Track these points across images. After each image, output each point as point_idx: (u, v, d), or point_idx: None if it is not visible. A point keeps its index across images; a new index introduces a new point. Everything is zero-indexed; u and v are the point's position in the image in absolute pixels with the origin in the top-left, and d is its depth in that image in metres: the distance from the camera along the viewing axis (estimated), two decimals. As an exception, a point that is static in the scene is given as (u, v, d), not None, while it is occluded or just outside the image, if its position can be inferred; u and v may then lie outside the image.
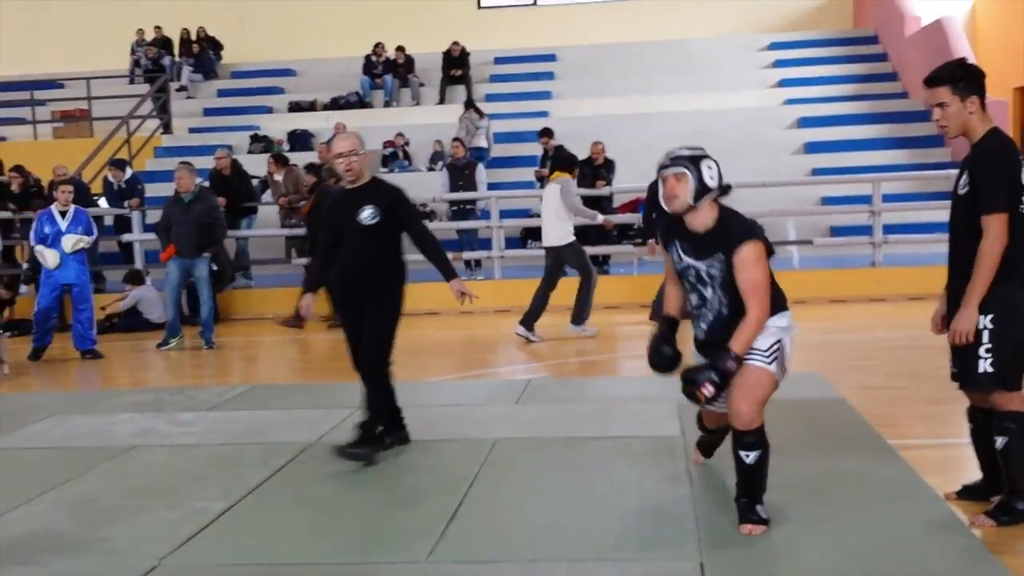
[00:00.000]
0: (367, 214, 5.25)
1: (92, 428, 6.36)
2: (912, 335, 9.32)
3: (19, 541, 4.29)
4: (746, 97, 17.60)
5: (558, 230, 9.77)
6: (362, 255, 5.29)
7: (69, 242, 9.36)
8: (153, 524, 4.40)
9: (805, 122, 16.72)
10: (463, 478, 4.89)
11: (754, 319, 4.06)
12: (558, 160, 10.54)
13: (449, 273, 5.47)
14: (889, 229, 12.53)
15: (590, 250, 12.99)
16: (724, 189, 4.15)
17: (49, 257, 9.38)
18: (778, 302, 4.25)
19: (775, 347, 4.17)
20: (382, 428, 5.39)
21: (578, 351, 9.82)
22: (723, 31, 19.89)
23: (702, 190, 4.10)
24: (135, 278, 11.63)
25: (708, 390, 4.06)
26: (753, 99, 17.66)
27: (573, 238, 9.86)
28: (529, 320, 9.74)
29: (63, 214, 9.48)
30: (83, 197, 11.69)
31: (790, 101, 17.52)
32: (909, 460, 4.95)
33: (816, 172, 14.89)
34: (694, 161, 4.13)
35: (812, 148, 15.92)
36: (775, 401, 6.33)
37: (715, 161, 4.18)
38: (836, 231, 13.89)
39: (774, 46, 19.39)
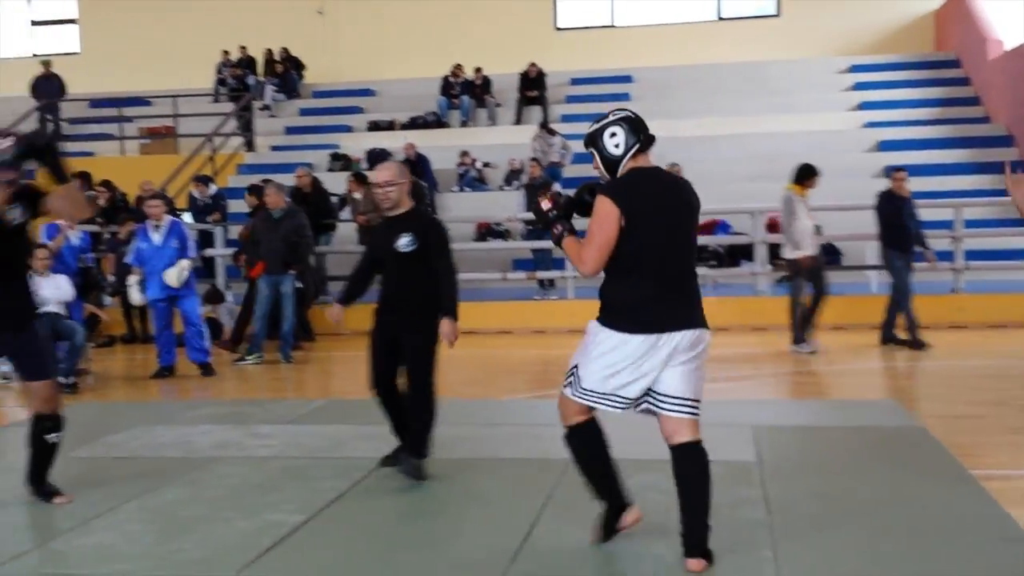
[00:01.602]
0: (404, 242, 5.35)
1: (172, 439, 6.50)
2: (995, 363, 9.12)
3: (101, 548, 4.39)
4: (825, 120, 17.37)
5: (803, 241, 9.69)
6: (400, 281, 5.43)
7: (172, 278, 9.18)
8: (230, 535, 4.48)
9: (885, 145, 16.44)
10: (537, 497, 4.89)
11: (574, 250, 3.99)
12: (794, 171, 10.22)
13: (449, 311, 5.37)
14: (971, 255, 12.23)
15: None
16: (643, 143, 3.88)
17: (135, 296, 9.39)
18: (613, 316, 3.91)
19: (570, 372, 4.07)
20: (400, 445, 5.44)
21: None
22: (802, 54, 19.68)
23: (611, 161, 3.91)
24: (216, 297, 11.82)
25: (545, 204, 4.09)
26: (832, 122, 17.42)
27: (804, 252, 9.70)
28: (799, 334, 9.67)
29: (157, 228, 9.40)
30: (168, 212, 11.96)
31: (870, 124, 17.25)
32: (991, 490, 4.82)
33: (896, 197, 14.59)
34: (593, 139, 3.97)
35: (893, 172, 15.60)
36: (854, 428, 6.27)
37: (622, 124, 3.89)
38: (917, 257, 13.59)
39: (854, 68, 19.11)
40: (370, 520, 4.71)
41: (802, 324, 9.76)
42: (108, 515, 4.87)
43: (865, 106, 17.90)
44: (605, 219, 3.77)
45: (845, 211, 13.31)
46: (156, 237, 9.34)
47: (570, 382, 4.02)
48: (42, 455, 5.10)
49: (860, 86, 18.55)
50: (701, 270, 12.76)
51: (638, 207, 3.78)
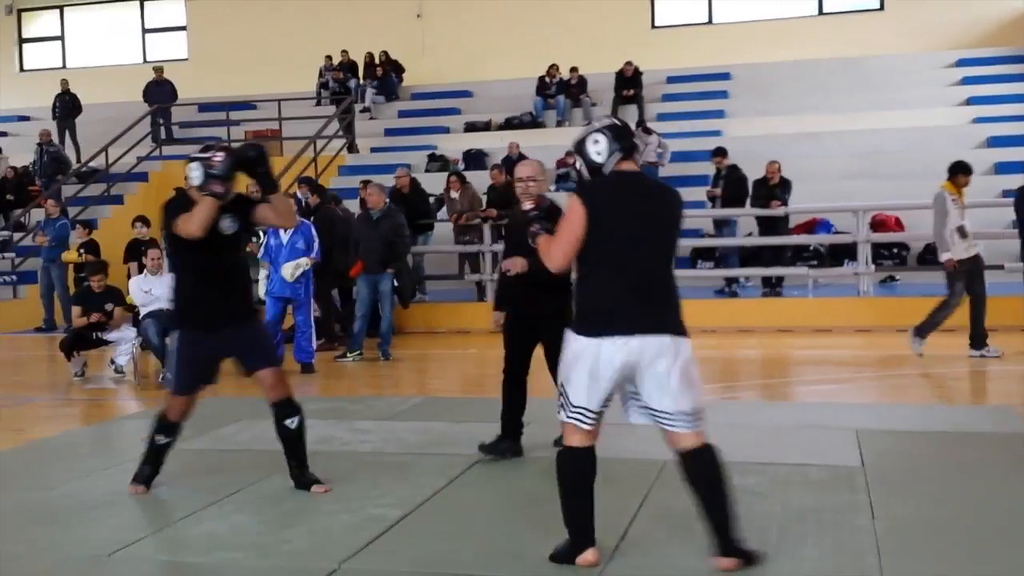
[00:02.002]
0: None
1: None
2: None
3: (211, 537, 4.55)
4: (931, 115, 16.87)
5: (956, 243, 9.19)
6: (536, 273, 5.39)
7: (288, 271, 9.37)
8: (333, 528, 4.58)
9: (995, 141, 15.88)
10: (632, 499, 4.88)
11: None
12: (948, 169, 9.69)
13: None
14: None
15: (760, 271, 12.76)
16: (625, 151, 3.92)
17: (260, 289, 9.43)
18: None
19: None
20: (501, 434, 5.80)
21: (749, 375, 9.64)
22: (906, 48, 19.14)
23: (593, 168, 3.95)
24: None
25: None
26: (938, 117, 16.90)
27: (969, 253, 9.26)
28: (977, 340, 9.26)
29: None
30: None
31: (979, 120, 16.68)
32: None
33: (1007, 194, 14.09)
34: (578, 146, 4.01)
35: (1003, 168, 15.09)
36: (964, 434, 6.09)
37: (605, 132, 3.92)
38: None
39: (961, 63, 18.51)
40: (467, 515, 4.76)
41: (929, 323, 9.22)
42: (216, 506, 5.03)
43: (973, 101, 17.32)
44: (572, 217, 3.82)
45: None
46: (284, 236, 9.46)
47: (561, 404, 3.93)
48: (287, 443, 5.24)
49: (968, 80, 17.96)
50: (801, 269, 12.58)
51: (606, 209, 3.80)
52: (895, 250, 13.71)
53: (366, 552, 4.24)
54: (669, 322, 3.86)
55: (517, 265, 5.62)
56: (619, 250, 3.80)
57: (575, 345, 3.83)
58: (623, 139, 3.92)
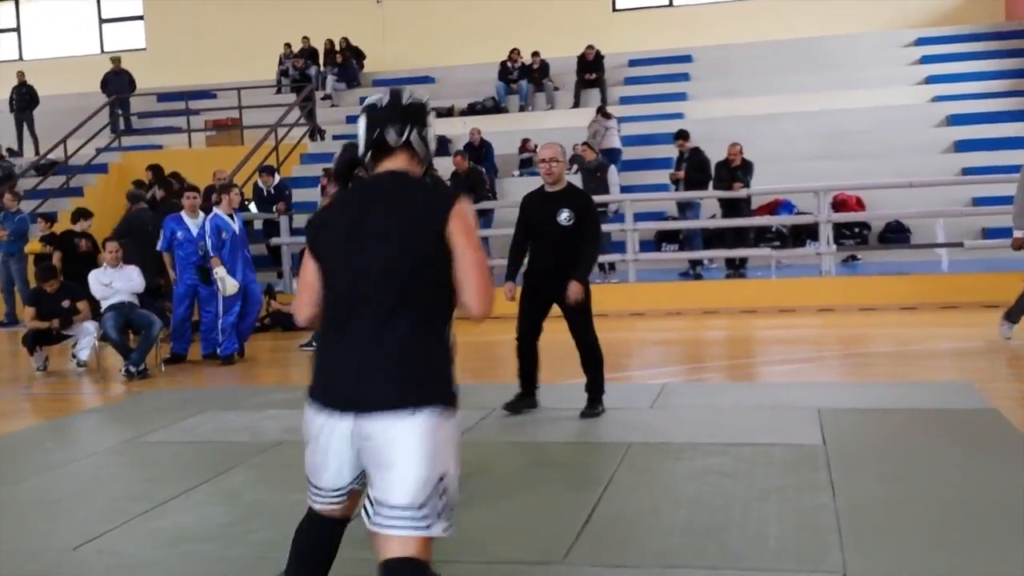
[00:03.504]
0: (565, 216, 6.07)
1: (242, 424, 6.64)
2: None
3: (176, 529, 4.53)
4: (891, 95, 17.02)
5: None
6: (557, 251, 6.12)
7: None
8: (298, 517, 4.55)
9: (955, 120, 16.06)
10: (597, 482, 4.91)
11: None
12: None
13: (580, 275, 6.19)
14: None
15: (724, 252, 12.85)
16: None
17: (229, 286, 9.32)
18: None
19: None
20: (520, 392, 6.42)
21: (714, 356, 9.71)
22: (865, 28, 19.29)
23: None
24: None
25: None
26: (899, 97, 17.06)
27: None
28: (1014, 315, 8.67)
29: (231, 216, 9.50)
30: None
31: (939, 98, 16.86)
32: (1067, 474, 4.72)
33: (967, 172, 14.28)
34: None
35: (963, 147, 15.28)
36: (924, 411, 6.17)
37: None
38: (990, 233, 13.29)
39: (921, 41, 18.69)
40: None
41: (1017, 308, 8.59)
42: (182, 497, 5.01)
43: (933, 80, 17.50)
44: (306, 252, 2.96)
45: (914, 188, 13.04)
46: (234, 225, 9.51)
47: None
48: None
49: (927, 59, 18.14)
50: (764, 251, 12.65)
51: (324, 233, 2.91)
52: (856, 230, 13.84)
53: (332, 541, 4.23)
54: (386, 393, 2.71)
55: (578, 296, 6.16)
56: (335, 287, 2.86)
57: (307, 412, 2.83)
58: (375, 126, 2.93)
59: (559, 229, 6.09)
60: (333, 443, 2.76)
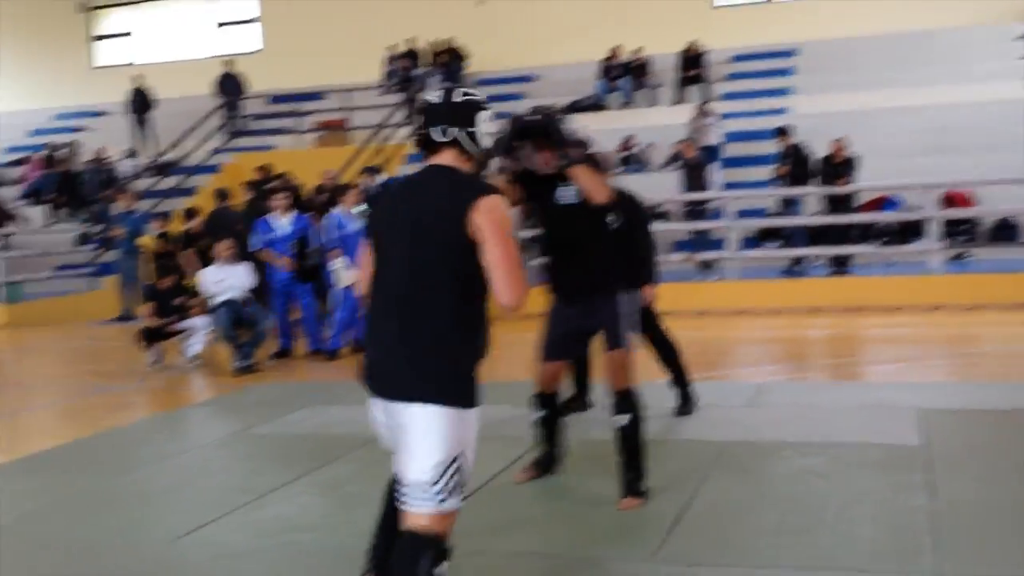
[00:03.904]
0: (611, 218, 5.78)
1: (344, 417, 6.83)
2: None
3: (277, 519, 4.71)
4: (1000, 89, 16.36)
5: None
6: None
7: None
8: (395, 509, 4.70)
9: (1068, 114, 15.38)
10: (691, 480, 4.92)
11: None
12: None
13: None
14: None
15: (829, 250, 12.60)
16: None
17: (344, 277, 9.37)
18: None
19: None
20: (575, 393, 6.50)
21: (815, 355, 9.57)
22: (974, 21, 18.62)
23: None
24: None
25: None
26: (1008, 91, 16.39)
27: None
28: None
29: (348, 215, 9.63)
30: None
31: (1052, 92, 16.16)
32: None
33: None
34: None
35: (1079, 142, 14.63)
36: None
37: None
38: None
39: (1036, 33, 17.96)
40: (526, 498, 4.85)
41: None
42: (284, 489, 5.20)
43: (1047, 72, 16.79)
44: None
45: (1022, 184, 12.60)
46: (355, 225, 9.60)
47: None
48: (621, 448, 4.70)
49: (1042, 51, 17.41)
50: (869, 248, 12.37)
51: (372, 222, 3.17)
52: (966, 226, 13.41)
53: (426, 533, 4.36)
54: (404, 381, 2.96)
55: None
56: (376, 274, 3.10)
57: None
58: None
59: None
60: (376, 418, 3.10)
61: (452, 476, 2.90)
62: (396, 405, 2.94)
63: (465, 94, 3.11)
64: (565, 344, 4.78)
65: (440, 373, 2.90)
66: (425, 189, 3.04)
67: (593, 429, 6.18)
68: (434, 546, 2.91)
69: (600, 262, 4.70)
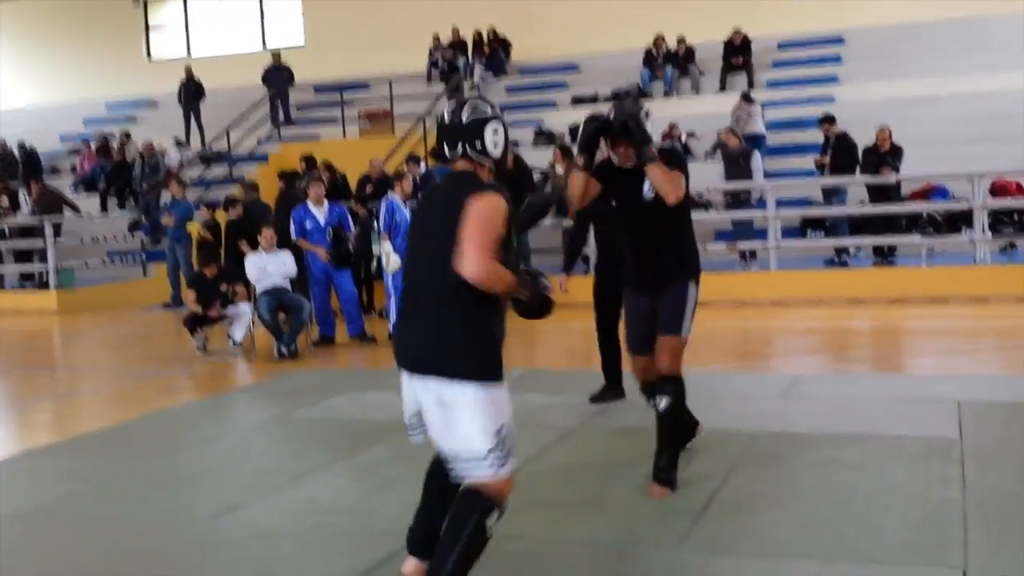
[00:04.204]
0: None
1: (381, 403, 6.89)
2: None
3: (310, 502, 4.80)
4: (1055, 76, 16.06)
5: None
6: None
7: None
8: (426, 495, 4.77)
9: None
10: (720, 470, 4.93)
11: None
12: None
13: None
14: None
15: (872, 239, 12.46)
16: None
17: (393, 262, 9.44)
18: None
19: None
20: (606, 383, 6.63)
21: (856, 346, 9.49)
22: (1027, 6, 18.23)
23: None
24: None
25: None
26: (1063, 78, 16.09)
27: None
28: None
29: (404, 203, 9.74)
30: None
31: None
32: None
33: None
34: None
35: None
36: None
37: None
38: None
39: (1091, 18, 17.55)
40: (555, 486, 4.89)
41: None
42: (320, 472, 5.30)
43: (1103, 60, 16.42)
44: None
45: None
46: (406, 211, 9.69)
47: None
48: (659, 432, 4.79)
49: (1098, 37, 17.02)
50: (914, 238, 12.22)
51: (415, 215, 3.70)
52: (1016, 217, 13.18)
53: (454, 518, 4.42)
54: (427, 358, 3.34)
55: None
56: (408, 260, 3.61)
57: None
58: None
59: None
60: (404, 393, 3.47)
61: (504, 443, 3.29)
62: (436, 383, 3.31)
63: (473, 110, 3.49)
64: (649, 334, 4.86)
65: (470, 352, 3.30)
66: (441, 192, 3.53)
67: (625, 416, 6.22)
68: (491, 504, 3.30)
69: (674, 253, 4.83)
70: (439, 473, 3.57)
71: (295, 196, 10.81)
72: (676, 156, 4.91)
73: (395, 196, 9.81)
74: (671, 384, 4.73)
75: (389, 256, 9.58)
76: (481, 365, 3.30)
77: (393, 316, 9.71)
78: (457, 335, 3.30)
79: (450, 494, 3.46)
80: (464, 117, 3.47)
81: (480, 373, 3.28)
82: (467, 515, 3.29)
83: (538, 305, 3.52)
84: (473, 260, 3.23)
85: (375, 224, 10.16)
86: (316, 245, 9.88)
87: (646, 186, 4.70)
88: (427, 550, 3.50)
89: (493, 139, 3.48)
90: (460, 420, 3.27)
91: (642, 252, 4.85)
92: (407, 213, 9.71)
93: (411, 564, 3.62)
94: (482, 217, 3.28)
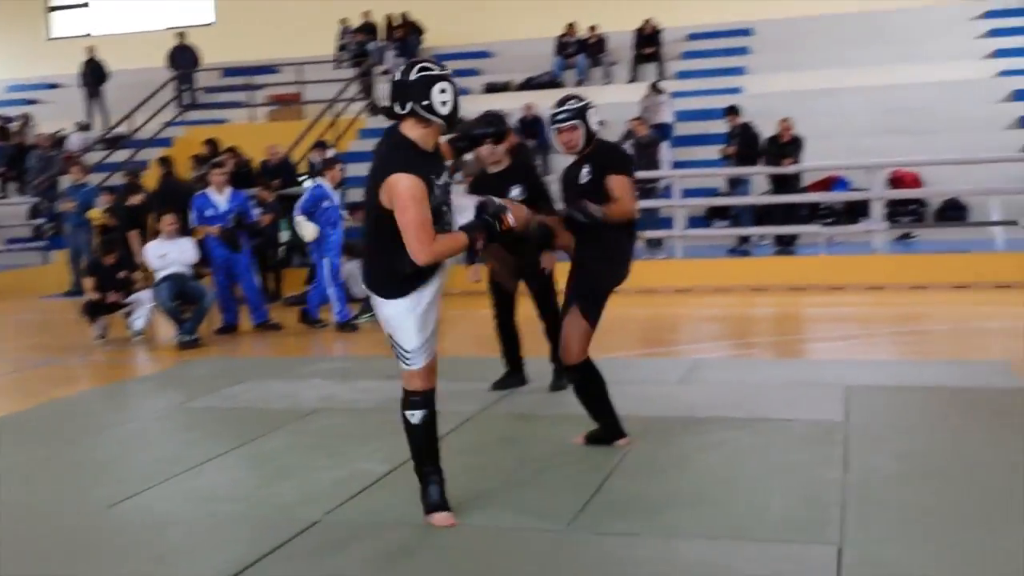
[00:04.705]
0: (516, 192, 6.16)
1: (282, 392, 6.88)
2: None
3: (207, 490, 4.77)
4: (955, 69, 16.63)
5: None
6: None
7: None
8: (322, 482, 4.78)
9: (1021, 95, 15.67)
10: (615, 453, 5.02)
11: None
12: None
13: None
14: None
15: (774, 229, 12.77)
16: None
17: (308, 231, 9.52)
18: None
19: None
20: (507, 371, 6.68)
21: (756, 332, 9.72)
22: (930, 1, 18.85)
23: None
24: (350, 250, 12.00)
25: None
26: (963, 71, 16.66)
27: None
28: None
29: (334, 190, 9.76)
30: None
31: (1004, 73, 16.45)
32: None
33: (1032, 147, 13.97)
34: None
35: (1028, 122, 14.93)
36: (952, 389, 6.15)
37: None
38: None
39: (990, 15, 18.22)
40: (450, 472, 4.90)
41: None
42: (217, 460, 5.26)
43: (1000, 54, 17.07)
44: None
45: (974, 165, 12.83)
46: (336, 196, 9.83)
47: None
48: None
49: (995, 32, 17.68)
50: (813, 227, 12.59)
51: None
52: (913, 207, 13.64)
53: (349, 504, 4.43)
54: (368, 281, 4.06)
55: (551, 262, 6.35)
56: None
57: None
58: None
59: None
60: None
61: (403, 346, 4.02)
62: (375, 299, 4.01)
63: (422, 69, 3.71)
64: None
65: (381, 279, 3.93)
66: (377, 152, 3.89)
67: (524, 402, 6.29)
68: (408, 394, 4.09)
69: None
70: None
71: (176, 184, 10.65)
72: (619, 160, 5.16)
73: (324, 181, 9.76)
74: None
75: (303, 226, 9.55)
76: (389, 287, 3.89)
77: (337, 305, 9.67)
78: (381, 267, 3.88)
79: None
80: (412, 75, 3.68)
81: (388, 291, 3.90)
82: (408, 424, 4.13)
83: (498, 239, 3.97)
84: (415, 247, 3.70)
85: (289, 210, 10.03)
86: (210, 227, 9.74)
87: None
88: None
89: (440, 97, 3.68)
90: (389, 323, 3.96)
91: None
92: (336, 199, 9.72)
93: None
94: (404, 201, 3.65)
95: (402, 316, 3.93)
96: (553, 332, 6.45)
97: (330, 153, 14.06)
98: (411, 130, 3.77)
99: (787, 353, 8.37)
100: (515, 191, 6.17)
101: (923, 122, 15.06)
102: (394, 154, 3.77)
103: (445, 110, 3.71)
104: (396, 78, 3.75)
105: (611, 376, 6.72)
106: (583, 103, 5.03)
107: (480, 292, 7.15)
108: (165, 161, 12.73)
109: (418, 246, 3.69)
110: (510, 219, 3.92)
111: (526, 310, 6.63)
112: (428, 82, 3.68)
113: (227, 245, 9.70)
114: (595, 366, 5.08)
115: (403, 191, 3.66)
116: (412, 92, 3.69)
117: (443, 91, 3.69)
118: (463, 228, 3.85)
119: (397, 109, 3.74)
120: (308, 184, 13.77)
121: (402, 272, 3.85)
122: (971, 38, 17.87)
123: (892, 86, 16.16)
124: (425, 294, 3.92)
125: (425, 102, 3.68)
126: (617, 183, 4.95)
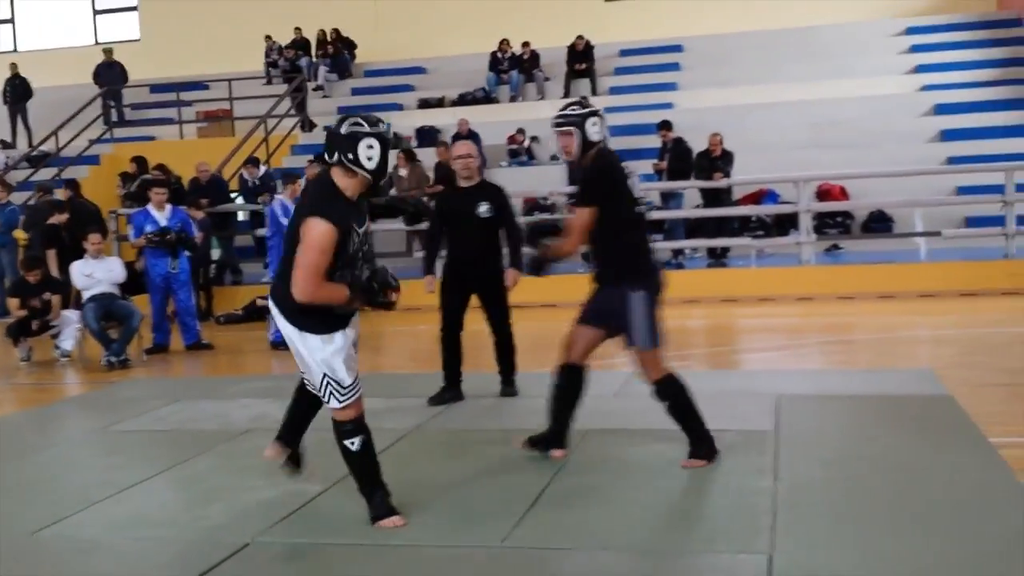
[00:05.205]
0: (484, 209, 6.41)
1: (213, 412, 6.77)
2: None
3: (132, 516, 4.65)
4: (880, 84, 17.07)
5: None
6: (477, 243, 6.46)
7: None
8: (252, 503, 4.70)
9: (942, 109, 16.13)
10: (548, 468, 5.02)
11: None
12: None
13: (517, 264, 6.55)
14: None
15: (706, 242, 12.92)
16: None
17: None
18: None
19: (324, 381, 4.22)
20: (445, 386, 6.65)
21: (689, 344, 9.80)
22: (856, 17, 19.32)
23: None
24: None
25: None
26: (888, 86, 17.12)
27: None
28: None
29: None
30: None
31: (927, 88, 16.92)
32: (1013, 459, 4.80)
33: (953, 161, 14.36)
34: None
35: (949, 136, 15.35)
36: (879, 397, 6.27)
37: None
38: (972, 222, 13.38)
39: (911, 31, 18.73)
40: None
41: None
42: (145, 484, 5.15)
43: (922, 69, 17.55)
44: None
45: (899, 177, 13.14)
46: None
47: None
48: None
49: (917, 48, 18.18)
50: (744, 240, 12.78)
51: None
52: (840, 219, 13.92)
53: (280, 526, 4.37)
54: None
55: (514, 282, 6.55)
56: None
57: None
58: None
59: (479, 222, 6.42)
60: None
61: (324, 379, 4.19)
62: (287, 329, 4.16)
63: (353, 124, 3.94)
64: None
65: (291, 313, 4.09)
66: (306, 191, 4.36)
67: (460, 417, 6.27)
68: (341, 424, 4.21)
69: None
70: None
71: (85, 205, 10.52)
72: (586, 188, 5.00)
73: (284, 197, 9.74)
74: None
75: None
76: (299, 321, 4.06)
77: (272, 325, 9.53)
78: (290, 299, 4.00)
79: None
80: (344, 128, 3.93)
81: (299, 325, 4.08)
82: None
83: (376, 307, 4.11)
84: (299, 286, 3.92)
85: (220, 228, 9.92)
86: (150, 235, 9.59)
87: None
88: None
89: (367, 153, 3.90)
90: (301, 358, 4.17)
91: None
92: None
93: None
94: (310, 244, 3.86)
95: (330, 357, 4.09)
96: (504, 352, 6.69)
97: (263, 170, 13.95)
98: (339, 178, 3.99)
99: (719, 364, 8.46)
100: (483, 207, 6.40)
101: (849, 136, 15.40)
102: (320, 198, 3.98)
103: (371, 165, 3.93)
104: (331, 128, 4.00)
105: (545, 391, 6.78)
106: (584, 111, 4.90)
107: (413, 306, 7.12)
108: (71, 184, 12.60)
109: (303, 284, 3.91)
110: (394, 296, 4.12)
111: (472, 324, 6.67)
112: (356, 137, 3.90)
113: (167, 251, 9.55)
114: (679, 379, 5.10)
115: (313, 237, 3.87)
116: (341, 145, 3.92)
117: (370, 147, 3.90)
118: (351, 284, 4.01)
119: (327, 157, 3.98)
120: (270, 201, 13.69)
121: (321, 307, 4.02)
122: (894, 54, 18.35)
123: (819, 101, 16.52)
124: (348, 334, 4.14)
125: (351, 156, 3.91)
126: (576, 218, 4.90)
